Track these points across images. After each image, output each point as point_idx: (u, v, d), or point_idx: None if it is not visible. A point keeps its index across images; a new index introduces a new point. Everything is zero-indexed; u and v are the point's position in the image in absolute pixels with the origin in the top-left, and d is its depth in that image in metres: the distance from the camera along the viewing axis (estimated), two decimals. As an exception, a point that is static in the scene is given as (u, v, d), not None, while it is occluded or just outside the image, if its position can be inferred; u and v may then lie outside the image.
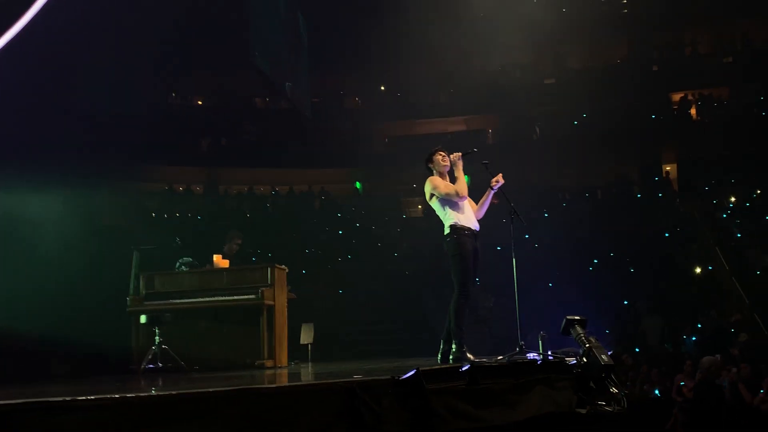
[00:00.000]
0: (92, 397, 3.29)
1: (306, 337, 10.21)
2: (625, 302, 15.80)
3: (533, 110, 24.84)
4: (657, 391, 10.44)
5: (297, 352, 9.30)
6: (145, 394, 3.49)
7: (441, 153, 6.39)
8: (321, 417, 3.50)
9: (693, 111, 23.77)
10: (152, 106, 22.51)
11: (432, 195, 6.24)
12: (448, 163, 6.34)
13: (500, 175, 6.51)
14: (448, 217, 6.17)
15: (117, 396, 3.35)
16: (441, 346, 5.94)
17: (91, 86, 18.55)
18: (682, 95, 24.02)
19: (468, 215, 6.25)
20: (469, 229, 6.16)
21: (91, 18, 17.54)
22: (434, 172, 6.34)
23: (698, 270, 17.10)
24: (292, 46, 21.06)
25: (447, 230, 6.15)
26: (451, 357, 5.60)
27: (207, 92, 26.63)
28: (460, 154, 6.34)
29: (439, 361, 5.76)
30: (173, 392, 3.45)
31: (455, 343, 5.69)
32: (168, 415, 3.33)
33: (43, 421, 3.10)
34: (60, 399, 3.24)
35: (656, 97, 23.85)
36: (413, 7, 22.19)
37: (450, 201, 6.16)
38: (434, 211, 6.33)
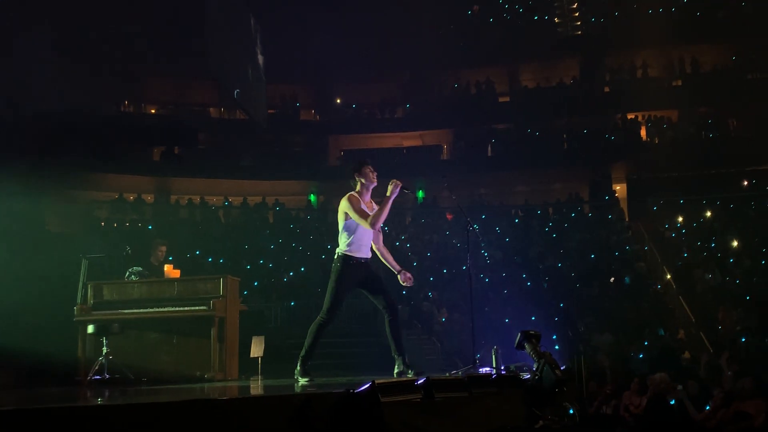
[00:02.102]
0: (31, 408, 3.18)
1: (257, 350, 10.03)
2: (576, 319, 16.00)
3: (488, 127, 25.16)
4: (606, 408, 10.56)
5: (247, 365, 9.15)
6: (89, 404, 3.39)
7: (370, 167, 6.11)
8: (274, 428, 3.44)
9: (643, 132, 24.31)
10: (104, 114, 22.22)
11: (345, 213, 5.98)
12: (375, 181, 6.10)
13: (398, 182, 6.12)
14: (343, 244, 6.01)
15: (60, 406, 3.25)
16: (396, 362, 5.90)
17: (40, 91, 18.24)
18: (633, 116, 24.56)
19: (365, 244, 6.07)
20: (359, 260, 6.01)
21: (38, 23, 17.31)
22: (358, 184, 6.07)
23: (646, 288, 17.42)
24: (248, 57, 20.94)
25: (337, 254, 6.01)
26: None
27: (160, 101, 26.32)
28: (399, 184, 6.00)
29: (395, 375, 5.75)
30: (119, 403, 3.35)
31: (301, 360, 5.85)
32: (114, 427, 3.24)
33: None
34: None
35: (607, 117, 24.36)
36: (372, 22, 22.38)
37: (353, 227, 5.97)
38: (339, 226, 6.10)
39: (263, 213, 23.88)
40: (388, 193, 5.95)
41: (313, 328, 5.98)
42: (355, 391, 3.68)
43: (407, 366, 5.61)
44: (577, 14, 26.59)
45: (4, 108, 19.15)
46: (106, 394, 5.64)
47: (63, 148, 19.73)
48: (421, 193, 23.94)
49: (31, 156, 17.70)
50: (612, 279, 17.48)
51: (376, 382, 3.74)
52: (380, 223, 5.97)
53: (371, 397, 3.64)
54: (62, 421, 3.22)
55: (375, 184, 6.11)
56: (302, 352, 5.91)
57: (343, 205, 5.97)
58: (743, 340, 13.59)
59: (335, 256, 6.03)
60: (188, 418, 3.40)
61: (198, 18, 18.82)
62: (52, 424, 3.17)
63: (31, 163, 17.43)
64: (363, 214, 5.87)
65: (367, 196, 6.09)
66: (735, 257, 17.50)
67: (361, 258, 5.99)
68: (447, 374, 5.12)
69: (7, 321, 9.93)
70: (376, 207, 6.04)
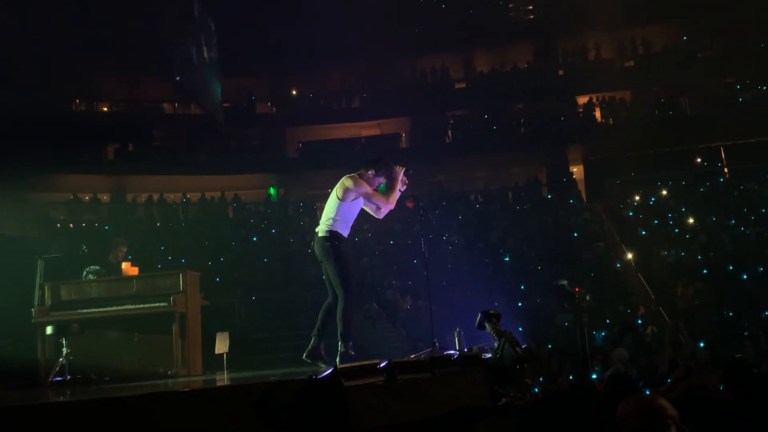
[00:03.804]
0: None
1: (221, 346, 9.95)
2: (538, 300, 16.19)
3: (445, 114, 25.27)
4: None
5: (212, 362, 9.10)
6: (50, 401, 3.35)
7: (397, 168, 6.20)
8: (237, 418, 3.43)
9: (597, 113, 24.62)
10: (55, 113, 21.82)
11: (349, 192, 5.96)
12: (400, 186, 6.22)
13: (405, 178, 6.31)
14: (331, 222, 5.96)
15: (23, 405, 3.21)
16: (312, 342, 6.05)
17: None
18: (587, 99, 24.84)
19: (351, 226, 6.14)
20: (346, 238, 6.07)
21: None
22: (370, 173, 6.11)
23: (605, 267, 17.69)
24: (202, 51, 20.68)
25: (324, 233, 5.96)
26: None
27: (112, 98, 25.90)
28: (403, 169, 6.22)
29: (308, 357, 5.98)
30: (83, 398, 3.32)
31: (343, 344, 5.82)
32: (80, 421, 3.21)
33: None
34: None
35: (562, 100, 24.60)
36: (325, 11, 22.28)
37: (345, 208, 6.01)
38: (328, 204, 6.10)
39: (223, 208, 23.68)
40: (394, 176, 6.12)
41: (339, 313, 5.86)
42: (318, 377, 3.69)
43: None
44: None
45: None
46: (68, 393, 5.57)
47: (14, 149, 19.32)
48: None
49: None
50: (572, 259, 17.68)
51: (339, 367, 3.75)
52: (392, 202, 6.12)
53: (334, 382, 3.65)
54: (26, 420, 3.18)
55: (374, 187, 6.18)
56: (341, 334, 5.83)
57: (348, 183, 5.96)
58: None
59: (321, 236, 5.97)
60: (152, 411, 3.38)
61: (147, 13, 18.56)
62: (17, 424, 3.14)
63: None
64: (375, 193, 6.04)
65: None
66: (691, 233, 17.84)
67: (344, 234, 6.03)
68: (410, 357, 5.15)
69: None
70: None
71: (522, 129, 24.61)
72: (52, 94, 22.45)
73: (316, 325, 6.07)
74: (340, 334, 5.82)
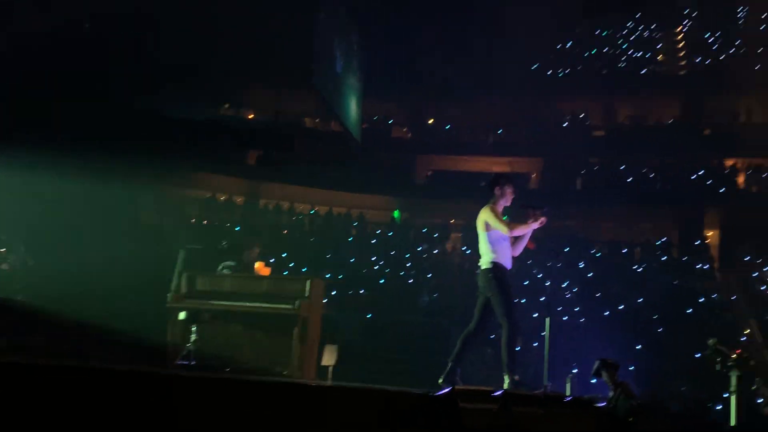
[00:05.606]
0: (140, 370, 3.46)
1: (328, 359, 10.16)
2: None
3: (579, 160, 24.88)
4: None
5: (317, 373, 9.29)
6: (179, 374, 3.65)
7: (512, 188, 6.48)
8: (355, 419, 3.62)
9: (740, 179, 23.53)
10: (203, 115, 22.98)
11: (486, 223, 6.29)
12: (509, 202, 6.45)
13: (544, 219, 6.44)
14: (490, 253, 6.25)
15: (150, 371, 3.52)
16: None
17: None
18: (732, 162, 23.81)
19: (507, 255, 6.34)
20: (506, 268, 6.27)
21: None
22: (496, 197, 6.41)
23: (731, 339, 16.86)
24: (350, 70, 21.29)
25: (486, 266, 6.25)
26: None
27: (259, 106, 27.05)
28: (544, 221, 6.30)
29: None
30: (222, 376, 3.60)
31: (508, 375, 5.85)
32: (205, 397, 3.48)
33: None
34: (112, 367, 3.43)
35: (704, 160, 23.70)
36: (472, 44, 22.57)
37: (495, 237, 6.24)
38: (479, 239, 6.39)
39: (347, 224, 24.25)
40: (534, 223, 6.26)
41: (503, 343, 6.05)
42: (435, 393, 3.84)
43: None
44: (682, 53, 26.10)
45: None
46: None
47: (162, 145, 20.42)
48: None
49: (132, 153, 18.34)
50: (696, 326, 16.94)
51: (456, 388, 3.87)
52: (515, 234, 6.30)
53: (450, 401, 3.78)
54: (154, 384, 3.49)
55: (508, 203, 6.45)
56: (506, 365, 5.95)
57: (485, 215, 6.27)
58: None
59: (483, 269, 6.25)
60: (276, 399, 3.62)
61: (304, 30, 19.21)
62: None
63: (130, 159, 18.09)
64: (502, 221, 6.22)
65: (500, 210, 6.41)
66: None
67: (506, 266, 6.24)
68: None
69: (104, 304, 10.47)
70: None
71: (658, 185, 23.85)
72: (204, 96, 23.67)
73: (455, 351, 6.21)
74: (506, 365, 5.92)
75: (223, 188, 24.71)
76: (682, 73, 25.55)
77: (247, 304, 7.69)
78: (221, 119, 25.53)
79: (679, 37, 26.95)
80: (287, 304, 7.62)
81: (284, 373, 7.44)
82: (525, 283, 18.32)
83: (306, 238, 22.74)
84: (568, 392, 5.88)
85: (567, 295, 18.09)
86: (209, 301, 7.84)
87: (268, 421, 3.48)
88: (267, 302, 7.69)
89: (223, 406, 3.41)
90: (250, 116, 27.03)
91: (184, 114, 21.40)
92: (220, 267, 8.44)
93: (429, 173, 26.56)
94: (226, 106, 26.58)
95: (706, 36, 26.19)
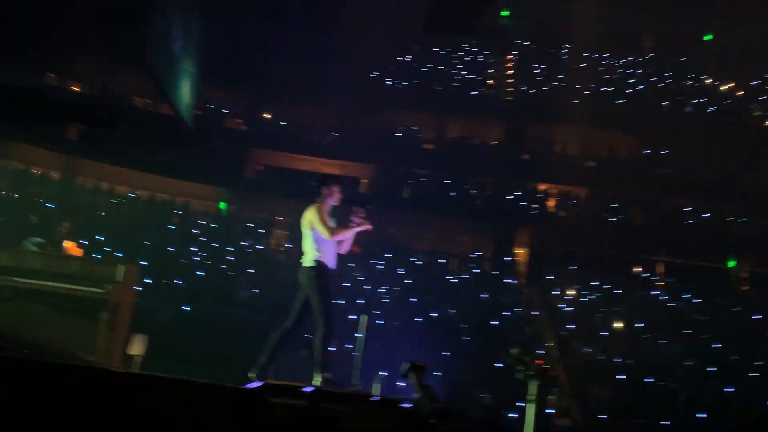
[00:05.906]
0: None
1: (137, 348, 9.76)
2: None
3: (408, 170, 25.67)
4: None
5: (124, 362, 8.89)
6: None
7: (339, 189, 6.57)
8: (161, 410, 3.53)
9: (551, 203, 25.26)
10: (23, 81, 21.38)
11: (311, 223, 6.36)
12: (337, 203, 6.55)
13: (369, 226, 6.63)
14: (313, 251, 6.32)
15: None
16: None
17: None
18: (545, 187, 25.52)
19: (332, 254, 6.44)
20: (327, 266, 6.38)
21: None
22: (322, 198, 6.47)
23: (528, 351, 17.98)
24: (187, 54, 20.56)
25: (307, 263, 6.32)
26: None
27: (86, 79, 25.59)
28: (370, 228, 6.49)
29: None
30: (17, 356, 3.39)
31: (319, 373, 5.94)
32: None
33: None
34: None
35: (520, 183, 25.24)
36: (315, 46, 22.65)
37: (320, 237, 6.33)
38: (303, 237, 6.45)
39: (170, 212, 23.48)
40: (358, 228, 6.45)
41: (317, 341, 6.10)
42: (244, 387, 3.82)
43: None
44: (511, 80, 27.66)
45: None
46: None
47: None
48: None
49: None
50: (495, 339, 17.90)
51: (267, 383, 3.88)
52: (336, 239, 6.39)
53: (260, 395, 3.79)
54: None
55: (336, 203, 6.55)
56: (318, 363, 6.00)
57: (310, 215, 6.32)
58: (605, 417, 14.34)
59: (305, 266, 6.29)
60: (76, 384, 3.45)
61: (143, 2, 18.30)
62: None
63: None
64: (326, 225, 6.27)
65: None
66: (617, 338, 18.32)
67: (329, 265, 6.32)
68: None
69: None
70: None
71: (478, 201, 25.11)
72: (25, 62, 22.04)
73: (269, 346, 6.22)
74: (318, 364, 6.00)
75: (39, 162, 23.13)
76: (508, 98, 27.06)
77: (54, 284, 7.28)
78: (42, 87, 23.85)
79: (509, 65, 28.54)
80: (97, 287, 7.28)
81: (88, 359, 7.11)
82: (346, 285, 18.63)
83: (124, 222, 21.76)
84: (376, 392, 6.02)
85: (385, 299, 18.59)
86: (12, 278, 7.34)
87: (66, 407, 3.32)
88: (75, 284, 7.31)
89: (18, 389, 3.21)
90: (76, 89, 25.46)
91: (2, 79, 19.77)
92: (27, 242, 7.94)
93: (261, 168, 26.34)
94: (51, 75, 24.87)
95: (533, 66, 27.98)
